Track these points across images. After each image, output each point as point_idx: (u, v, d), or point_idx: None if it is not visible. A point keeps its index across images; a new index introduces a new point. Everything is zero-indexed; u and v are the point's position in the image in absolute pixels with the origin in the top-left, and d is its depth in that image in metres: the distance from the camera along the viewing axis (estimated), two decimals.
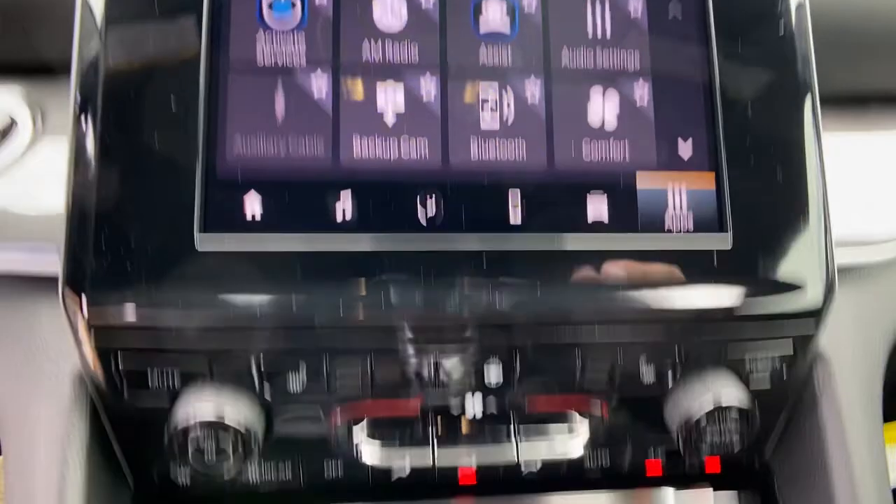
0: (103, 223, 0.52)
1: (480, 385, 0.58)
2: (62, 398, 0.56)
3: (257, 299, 0.52)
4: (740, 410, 0.58)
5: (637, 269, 0.56)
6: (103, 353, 0.53)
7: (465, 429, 0.60)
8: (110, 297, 0.52)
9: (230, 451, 0.54)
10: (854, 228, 0.68)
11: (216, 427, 0.53)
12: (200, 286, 0.52)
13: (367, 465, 0.62)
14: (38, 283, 0.58)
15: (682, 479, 0.70)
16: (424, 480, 0.64)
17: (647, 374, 0.58)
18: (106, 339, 0.53)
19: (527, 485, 0.68)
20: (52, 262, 0.55)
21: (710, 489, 0.71)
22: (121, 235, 0.52)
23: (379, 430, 0.60)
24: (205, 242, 0.52)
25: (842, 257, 0.60)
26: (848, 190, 0.69)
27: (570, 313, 0.55)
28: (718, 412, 0.58)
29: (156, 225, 0.52)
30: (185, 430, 0.53)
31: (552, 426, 0.61)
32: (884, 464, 0.64)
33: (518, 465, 0.61)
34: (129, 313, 0.52)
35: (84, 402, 0.57)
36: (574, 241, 0.55)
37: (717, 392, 0.58)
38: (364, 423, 0.59)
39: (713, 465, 0.68)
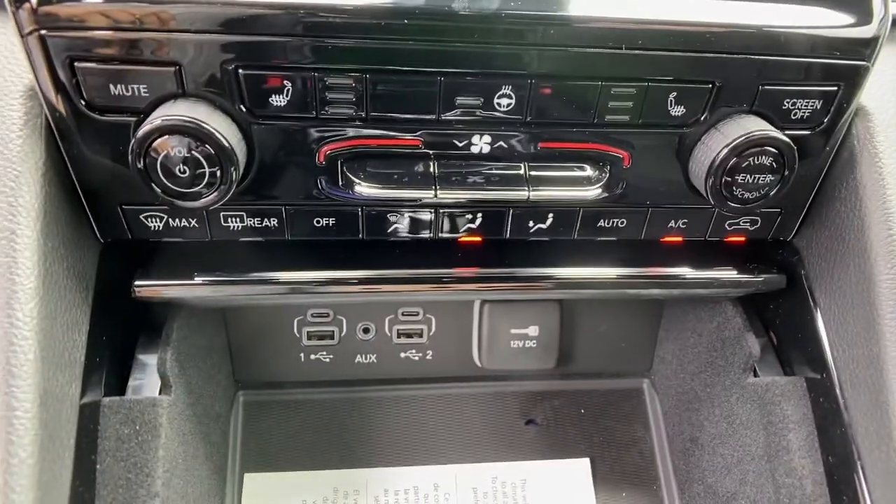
0: None
1: (490, 120, 0.52)
2: (13, 117, 0.49)
3: None
4: (779, 144, 0.52)
5: None
6: (57, 62, 0.46)
7: (470, 167, 0.54)
8: None
9: (205, 165, 0.47)
10: None
11: (189, 133, 0.46)
12: None
13: (360, 217, 0.56)
14: None
15: (701, 253, 0.65)
16: (424, 241, 0.59)
17: (676, 106, 0.52)
18: (59, 45, 0.46)
19: (532, 248, 0.63)
20: None
21: (734, 271, 0.66)
22: None
23: (376, 167, 0.54)
24: None
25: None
26: None
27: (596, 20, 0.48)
28: (754, 146, 0.52)
29: None
30: (152, 136, 0.46)
31: (568, 168, 0.55)
32: None
33: (527, 206, 0.55)
34: (87, 10, 0.45)
35: (39, 122, 0.50)
36: None
37: (753, 127, 0.52)
38: (358, 159, 0.53)
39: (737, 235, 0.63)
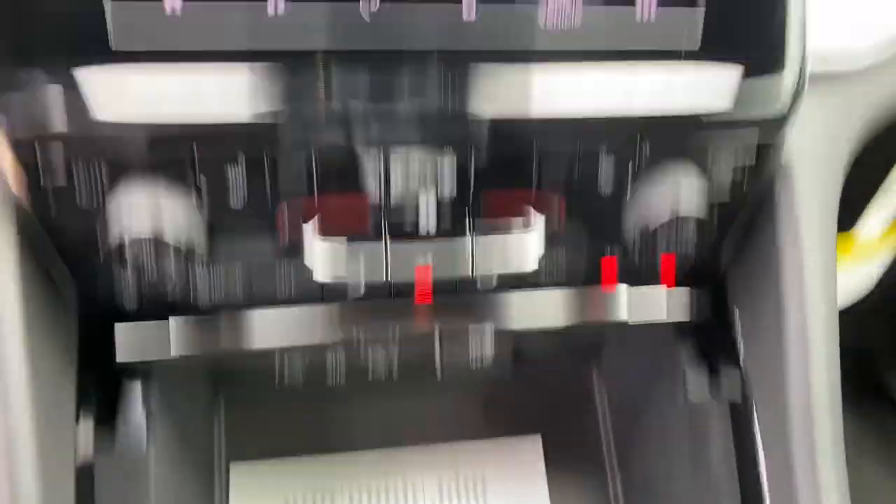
0: None
1: (433, 190, 0.55)
2: None
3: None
4: (697, 221, 0.57)
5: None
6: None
7: (418, 245, 0.58)
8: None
9: (171, 266, 0.53)
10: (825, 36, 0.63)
11: (154, 243, 0.51)
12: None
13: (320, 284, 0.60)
14: None
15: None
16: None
17: (606, 175, 0.57)
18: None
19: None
20: None
21: (664, 287, 0.70)
22: None
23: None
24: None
25: (811, 65, 0.57)
26: None
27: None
28: (675, 223, 0.57)
29: None
30: (121, 247, 0.51)
31: (508, 240, 0.59)
32: (834, 279, 0.64)
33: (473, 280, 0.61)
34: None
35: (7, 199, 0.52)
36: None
37: (676, 201, 0.57)
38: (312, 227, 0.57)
39: (668, 276, 0.68)
